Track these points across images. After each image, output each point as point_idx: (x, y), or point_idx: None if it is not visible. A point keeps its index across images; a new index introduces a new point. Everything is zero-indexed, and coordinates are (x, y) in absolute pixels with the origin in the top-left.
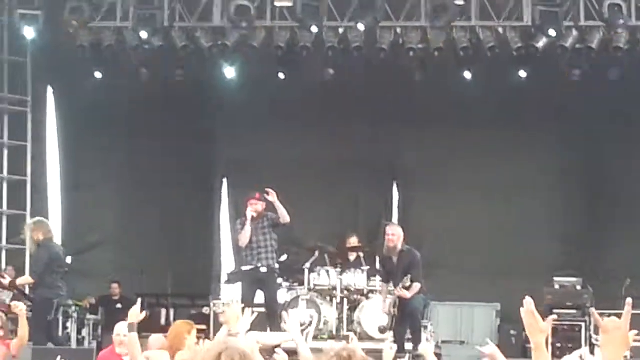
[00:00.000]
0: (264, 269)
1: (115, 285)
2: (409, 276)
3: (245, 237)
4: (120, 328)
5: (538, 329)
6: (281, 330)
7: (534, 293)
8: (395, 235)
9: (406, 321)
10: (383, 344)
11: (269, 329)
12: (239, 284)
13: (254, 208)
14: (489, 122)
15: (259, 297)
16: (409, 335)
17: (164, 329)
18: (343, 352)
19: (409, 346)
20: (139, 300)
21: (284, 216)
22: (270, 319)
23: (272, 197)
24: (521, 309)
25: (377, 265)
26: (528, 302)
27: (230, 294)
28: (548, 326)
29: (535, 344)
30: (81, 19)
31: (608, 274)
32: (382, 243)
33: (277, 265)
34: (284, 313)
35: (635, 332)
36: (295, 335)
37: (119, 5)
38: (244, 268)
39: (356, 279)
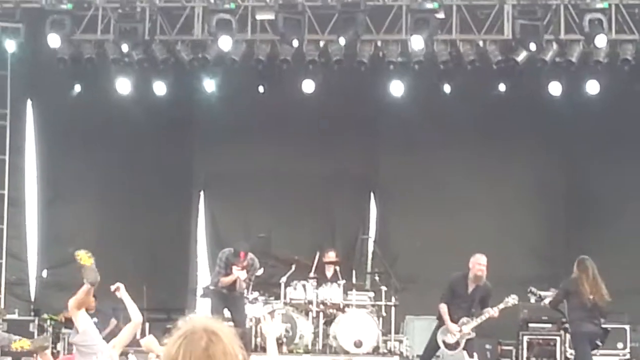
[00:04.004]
0: (236, 293)
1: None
2: (515, 297)
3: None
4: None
5: None
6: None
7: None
8: (485, 266)
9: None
10: (357, 359)
11: None
12: (209, 300)
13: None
14: (468, 136)
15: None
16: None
17: (139, 343)
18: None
19: None
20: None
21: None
22: (240, 335)
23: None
24: None
25: (354, 280)
26: None
27: (205, 307)
28: None
29: None
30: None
31: None
32: (360, 258)
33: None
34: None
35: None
36: (269, 340)
37: (100, 18)
38: (214, 287)
39: (332, 293)
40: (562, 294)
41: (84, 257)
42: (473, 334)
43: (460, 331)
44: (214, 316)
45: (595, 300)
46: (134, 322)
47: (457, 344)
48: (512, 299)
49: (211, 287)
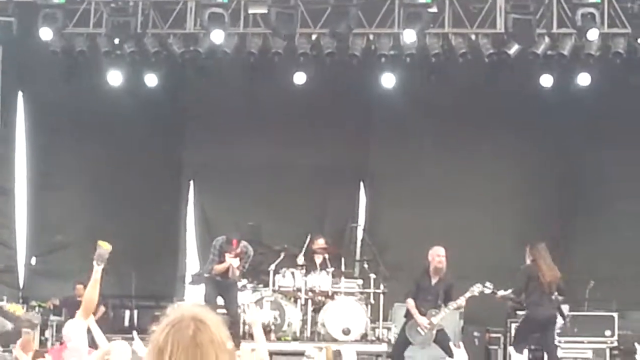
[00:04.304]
0: (229, 280)
1: (80, 287)
2: (480, 285)
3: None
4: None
5: None
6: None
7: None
8: (444, 256)
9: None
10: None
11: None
12: (202, 286)
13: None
14: (459, 128)
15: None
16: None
17: (127, 330)
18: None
19: None
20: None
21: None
22: (231, 323)
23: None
24: None
25: (343, 267)
26: None
27: (193, 294)
28: None
29: None
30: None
31: (571, 277)
32: (349, 246)
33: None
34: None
35: None
36: (255, 328)
37: (92, 11)
38: (208, 274)
39: (321, 280)
40: (524, 280)
41: (17, 308)
42: (442, 325)
43: (430, 323)
44: (207, 303)
45: (552, 282)
46: (102, 349)
47: (428, 337)
48: (477, 288)
49: (205, 275)
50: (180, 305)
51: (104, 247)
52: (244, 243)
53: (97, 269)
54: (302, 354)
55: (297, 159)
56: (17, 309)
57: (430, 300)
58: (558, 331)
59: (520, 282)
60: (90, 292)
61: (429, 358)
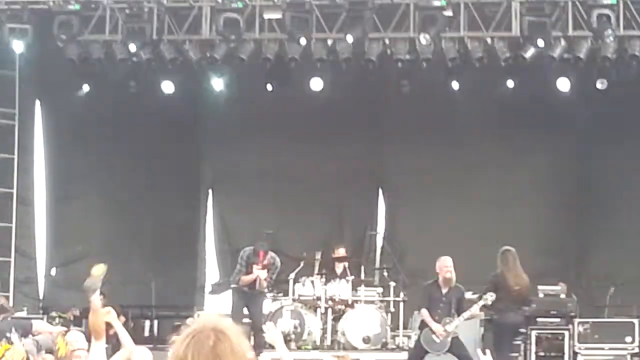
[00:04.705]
0: (256, 291)
1: (100, 297)
2: (492, 294)
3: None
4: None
5: None
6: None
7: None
8: (452, 267)
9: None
10: (364, 355)
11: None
12: (224, 295)
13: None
14: (476, 132)
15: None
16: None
17: (147, 341)
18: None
19: None
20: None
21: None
22: (254, 334)
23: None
24: None
25: (362, 276)
26: None
27: (214, 304)
28: None
29: None
30: None
31: (592, 283)
32: (368, 254)
33: (266, 289)
34: (268, 323)
35: None
36: (278, 345)
37: (108, 18)
38: (235, 285)
39: (341, 289)
40: (491, 288)
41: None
42: (457, 333)
43: (445, 331)
44: (234, 314)
45: (519, 290)
46: (127, 348)
47: (444, 345)
48: (490, 296)
49: (232, 286)
50: (201, 316)
51: (94, 275)
52: (271, 254)
53: (92, 299)
54: None
55: (314, 166)
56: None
57: (443, 309)
58: (519, 342)
59: (488, 290)
60: (92, 320)
61: None
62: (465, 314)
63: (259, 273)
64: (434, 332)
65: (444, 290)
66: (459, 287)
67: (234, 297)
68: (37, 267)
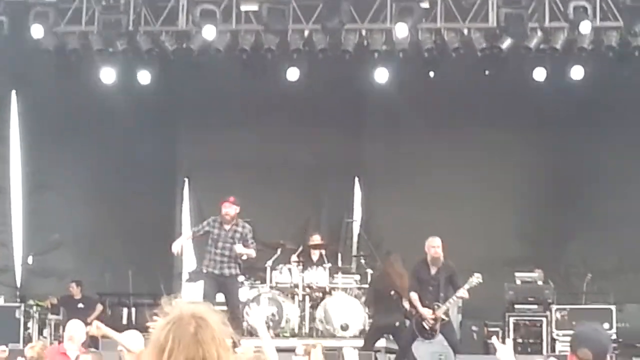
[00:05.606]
0: (227, 273)
1: (73, 285)
2: (479, 275)
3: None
4: (73, 325)
5: None
6: (242, 331)
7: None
8: (440, 247)
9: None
10: (344, 342)
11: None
12: (201, 283)
13: (226, 211)
14: (452, 122)
15: (220, 296)
16: None
17: (125, 328)
18: None
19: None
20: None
21: (252, 255)
22: (232, 319)
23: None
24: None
25: (340, 263)
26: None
27: (191, 292)
28: None
29: None
30: None
31: (569, 270)
32: (345, 241)
33: (239, 272)
34: (247, 308)
35: None
36: (260, 329)
37: (84, 9)
38: (206, 270)
39: (318, 276)
40: (371, 291)
41: None
42: (447, 318)
43: (434, 316)
44: (205, 300)
45: (395, 294)
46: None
47: (434, 330)
48: (475, 278)
49: (203, 270)
50: (179, 303)
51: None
52: (242, 222)
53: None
54: None
55: (291, 155)
56: None
57: (432, 292)
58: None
59: (369, 293)
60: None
61: (432, 352)
62: (454, 298)
63: (228, 210)
64: (423, 319)
65: (433, 271)
66: (448, 265)
67: (206, 283)
68: (14, 255)
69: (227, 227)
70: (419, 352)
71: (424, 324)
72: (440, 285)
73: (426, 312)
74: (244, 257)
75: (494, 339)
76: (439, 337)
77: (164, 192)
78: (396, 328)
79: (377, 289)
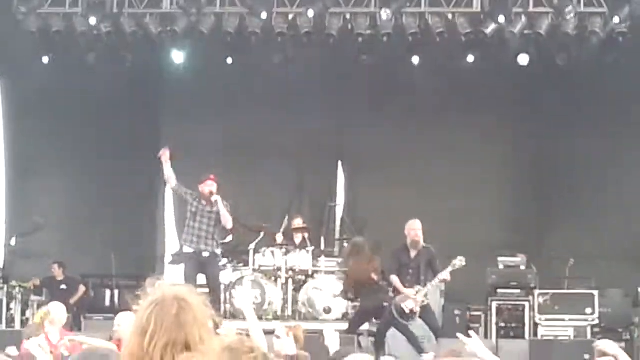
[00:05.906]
0: (206, 253)
1: (55, 266)
2: (462, 258)
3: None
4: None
5: None
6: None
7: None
8: (420, 230)
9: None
10: (327, 325)
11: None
12: (182, 266)
13: (209, 189)
14: (437, 107)
15: (201, 278)
16: None
17: (108, 310)
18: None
19: None
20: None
21: (228, 221)
22: (212, 301)
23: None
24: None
25: (322, 246)
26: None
27: (173, 274)
28: None
29: None
30: None
31: (552, 255)
32: (328, 225)
33: (219, 250)
34: (233, 290)
35: None
36: (247, 312)
37: None
38: (186, 250)
39: (301, 259)
40: (350, 282)
41: None
42: (427, 300)
43: (415, 299)
44: (187, 282)
45: (355, 280)
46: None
47: (413, 312)
48: (459, 261)
49: (183, 249)
50: (162, 285)
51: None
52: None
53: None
54: None
55: (274, 138)
56: None
57: (412, 274)
58: None
59: (348, 286)
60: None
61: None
62: (435, 280)
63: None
64: (403, 301)
65: (413, 255)
66: (427, 248)
67: (186, 265)
68: None
69: (204, 202)
70: (397, 335)
71: (403, 305)
72: (421, 268)
73: (409, 291)
74: (226, 225)
75: (459, 335)
76: (419, 322)
77: (147, 174)
78: (384, 309)
79: (356, 279)
